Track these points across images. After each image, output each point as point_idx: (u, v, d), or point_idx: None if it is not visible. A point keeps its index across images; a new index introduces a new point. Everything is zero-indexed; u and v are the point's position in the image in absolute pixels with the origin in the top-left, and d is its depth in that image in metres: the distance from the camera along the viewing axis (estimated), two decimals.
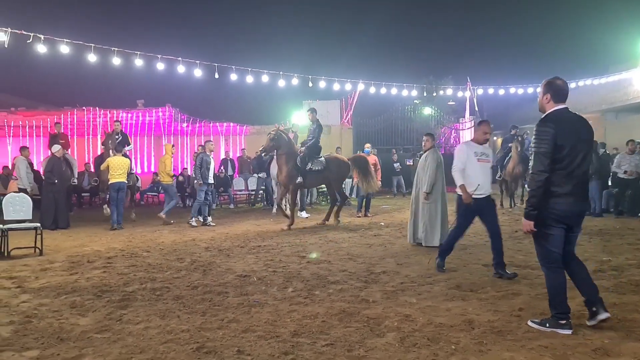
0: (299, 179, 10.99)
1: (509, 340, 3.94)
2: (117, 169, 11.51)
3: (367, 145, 13.92)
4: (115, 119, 14.85)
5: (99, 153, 16.98)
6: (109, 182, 11.54)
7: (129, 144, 13.22)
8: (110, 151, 12.32)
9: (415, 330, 4.20)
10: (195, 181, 12.05)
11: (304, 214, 13.12)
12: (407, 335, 4.09)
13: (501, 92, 22.81)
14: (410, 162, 20.40)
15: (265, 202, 16.97)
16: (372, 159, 13.24)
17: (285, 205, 11.96)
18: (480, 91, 23.61)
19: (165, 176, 12.53)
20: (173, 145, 13.25)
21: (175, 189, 13.67)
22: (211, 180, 12.10)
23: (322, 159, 11.39)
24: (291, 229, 10.79)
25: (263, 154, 12.84)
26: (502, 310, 4.70)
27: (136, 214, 13.31)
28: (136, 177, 14.24)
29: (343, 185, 12.17)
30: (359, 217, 12.85)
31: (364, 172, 11.76)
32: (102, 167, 12.11)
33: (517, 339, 3.97)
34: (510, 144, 14.03)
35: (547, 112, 4.09)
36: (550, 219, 4.02)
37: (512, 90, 22.77)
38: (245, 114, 25.68)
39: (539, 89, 4.24)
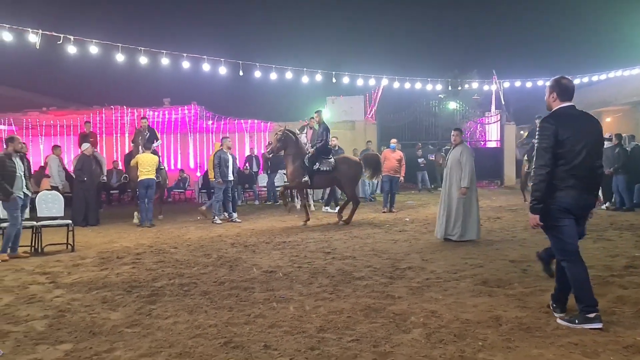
0: (305, 178, 10.88)
1: (537, 337, 3.88)
2: (146, 165, 11.58)
3: (393, 140, 13.78)
4: (142, 116, 14.97)
5: (127, 151, 17.27)
6: (138, 180, 11.60)
7: (157, 139, 13.28)
8: (140, 148, 12.47)
9: (442, 327, 4.17)
10: (215, 180, 12.00)
11: (329, 209, 13.13)
12: (433, 331, 4.08)
13: (528, 84, 22.38)
14: (433, 157, 20.25)
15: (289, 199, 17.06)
16: (398, 154, 13.21)
17: (308, 202, 12.02)
18: (506, 84, 23.21)
19: (212, 172, 12.62)
20: (224, 141, 13.07)
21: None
22: (231, 177, 12.15)
23: (332, 159, 11.21)
24: (308, 225, 10.83)
25: (269, 154, 12.87)
26: (530, 306, 4.63)
27: (163, 211, 13.47)
28: (166, 173, 14.34)
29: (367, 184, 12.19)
30: (384, 212, 12.80)
31: (375, 171, 11.86)
32: (132, 163, 12.19)
33: (546, 335, 3.92)
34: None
35: (552, 110, 4.21)
36: (557, 211, 4.07)
37: (540, 82, 22.31)
38: (270, 111, 25.78)
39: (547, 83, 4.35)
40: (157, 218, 12.68)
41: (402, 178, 13.71)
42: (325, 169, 11.05)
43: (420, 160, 19.61)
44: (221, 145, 12.28)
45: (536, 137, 4.14)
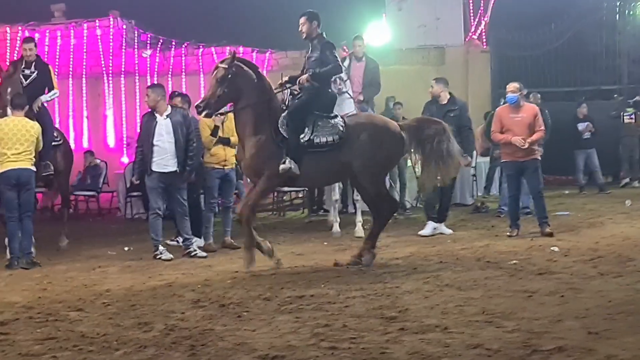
0: (286, 164, 10.46)
1: None
2: (14, 143, 11.60)
3: (514, 85, 13.37)
4: (24, 37, 15.17)
5: None
6: None
7: (52, 88, 13.46)
8: (8, 109, 12.39)
9: None
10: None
11: (335, 229, 13.28)
12: None
13: None
14: (631, 119, 20.10)
15: (312, 208, 17.18)
16: (529, 111, 12.97)
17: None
18: None
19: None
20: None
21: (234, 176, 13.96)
22: (170, 166, 12.29)
23: (339, 120, 10.91)
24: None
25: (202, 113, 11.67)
26: None
27: (53, 234, 13.61)
28: (69, 154, 14.18)
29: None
30: (511, 236, 12.71)
31: (432, 154, 11.11)
32: None
33: None
34: None
35: None
36: None
37: None
38: (269, 30, 25.81)
39: None
40: (58, 246, 12.78)
41: (538, 151, 13.36)
42: (325, 140, 10.70)
43: (582, 126, 19.47)
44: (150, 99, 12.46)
45: None
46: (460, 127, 13.01)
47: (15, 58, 16.26)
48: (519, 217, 13.01)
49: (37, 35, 21.53)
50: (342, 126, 10.74)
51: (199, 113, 11.06)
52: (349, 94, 12.88)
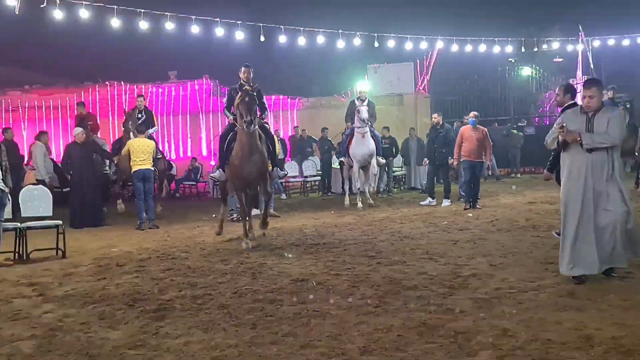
0: None
1: None
2: (140, 153, 11.56)
3: (473, 114, 12.86)
4: (138, 93, 15.19)
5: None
6: (132, 171, 11.62)
7: (153, 126, 13.49)
8: (131, 133, 12.61)
9: (517, 348, 4.13)
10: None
11: (359, 205, 13.10)
12: (506, 354, 4.04)
13: (625, 42, 21.80)
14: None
15: (325, 191, 17.17)
16: (480, 132, 12.46)
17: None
18: (596, 43, 22.64)
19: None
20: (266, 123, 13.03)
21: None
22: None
23: None
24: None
25: None
26: (630, 323, 4.53)
27: (172, 208, 13.68)
28: (170, 163, 14.49)
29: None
30: (466, 208, 12.25)
31: None
32: (123, 152, 12.23)
33: None
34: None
35: None
36: None
37: None
38: (298, 85, 25.84)
39: None
40: (156, 211, 12.59)
41: (488, 162, 13.19)
42: None
43: None
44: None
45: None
46: (448, 141, 13.03)
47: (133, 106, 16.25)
48: (471, 196, 12.55)
49: (160, 90, 21.66)
50: None
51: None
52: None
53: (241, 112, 8.49)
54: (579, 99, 6.78)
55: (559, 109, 8.39)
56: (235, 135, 8.93)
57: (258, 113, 8.91)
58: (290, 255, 5.95)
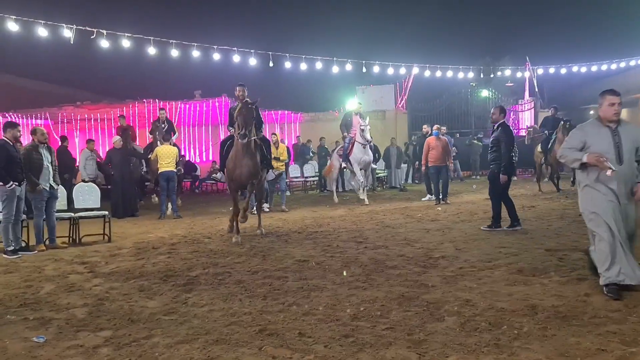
0: None
1: (574, 326, 3.84)
2: (165, 157, 11.57)
3: (436, 126, 13.08)
4: (160, 107, 15.15)
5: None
6: (159, 172, 11.63)
7: (174, 133, 13.43)
8: (158, 141, 12.62)
9: (476, 315, 4.16)
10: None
11: (365, 201, 12.84)
12: (467, 319, 4.06)
13: (563, 71, 21.90)
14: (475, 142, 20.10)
15: (322, 189, 17.17)
16: (443, 141, 12.50)
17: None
18: (540, 71, 22.74)
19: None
20: (274, 133, 12.79)
21: (284, 176, 13.17)
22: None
23: None
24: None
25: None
26: (566, 295, 4.57)
27: (196, 202, 13.65)
28: (195, 165, 14.43)
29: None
30: (437, 204, 12.12)
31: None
32: (152, 157, 12.24)
33: (583, 324, 3.87)
34: (550, 128, 13.60)
35: None
36: None
37: (575, 69, 21.81)
38: (300, 102, 25.76)
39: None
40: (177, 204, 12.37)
41: (451, 164, 13.32)
42: None
43: (452, 149, 19.44)
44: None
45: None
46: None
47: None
48: (439, 195, 12.41)
49: (187, 106, 21.60)
50: None
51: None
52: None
53: (239, 123, 8.02)
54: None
55: (495, 125, 8.48)
56: (232, 142, 8.49)
57: (254, 130, 8.31)
58: (345, 274, 5.43)
